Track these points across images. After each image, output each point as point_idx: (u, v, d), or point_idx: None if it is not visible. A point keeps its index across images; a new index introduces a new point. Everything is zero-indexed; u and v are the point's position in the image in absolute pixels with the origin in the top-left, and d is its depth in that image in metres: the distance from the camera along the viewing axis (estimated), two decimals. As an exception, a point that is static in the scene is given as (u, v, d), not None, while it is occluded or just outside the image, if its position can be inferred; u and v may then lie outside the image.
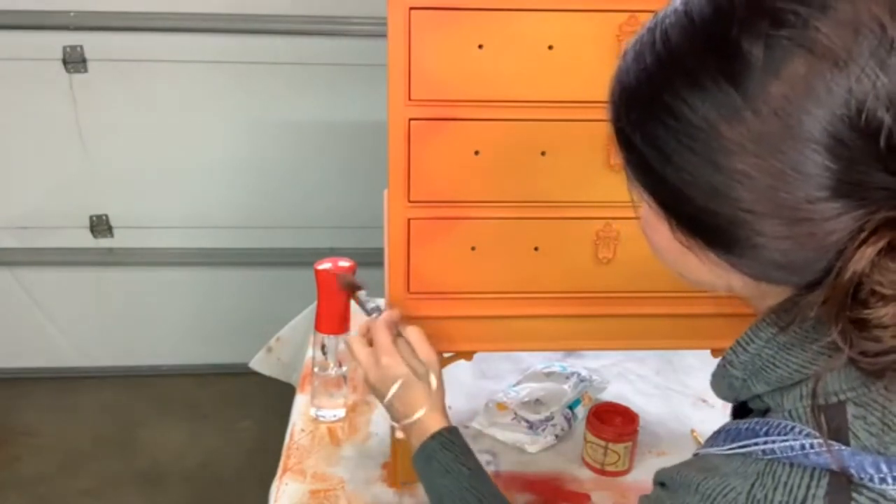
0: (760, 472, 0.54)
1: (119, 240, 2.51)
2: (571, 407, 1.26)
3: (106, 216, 2.48)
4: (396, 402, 0.90)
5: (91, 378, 2.64)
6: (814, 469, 0.53)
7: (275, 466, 1.17)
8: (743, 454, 0.56)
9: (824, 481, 0.52)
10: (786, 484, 0.53)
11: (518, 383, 1.33)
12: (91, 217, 2.47)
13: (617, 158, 0.93)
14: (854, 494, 0.51)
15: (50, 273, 2.53)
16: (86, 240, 2.49)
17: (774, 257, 0.52)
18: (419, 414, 0.89)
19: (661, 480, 0.63)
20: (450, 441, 0.88)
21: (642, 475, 1.16)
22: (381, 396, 0.92)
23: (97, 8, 2.21)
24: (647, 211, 0.60)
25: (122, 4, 2.21)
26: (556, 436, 1.22)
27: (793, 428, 0.54)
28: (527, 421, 1.22)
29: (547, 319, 1.03)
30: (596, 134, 0.93)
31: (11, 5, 2.18)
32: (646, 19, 0.87)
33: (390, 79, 0.90)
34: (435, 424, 0.89)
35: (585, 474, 1.16)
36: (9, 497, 2.18)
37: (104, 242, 2.51)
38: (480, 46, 0.89)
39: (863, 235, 0.48)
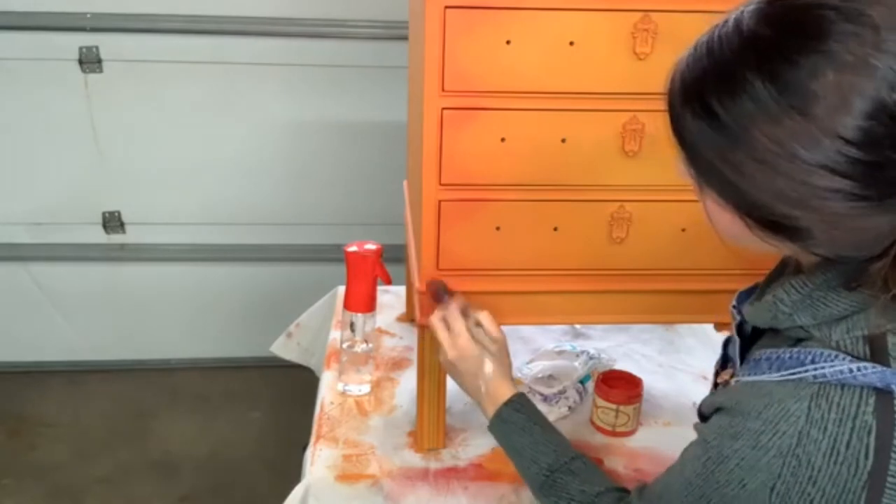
0: (814, 394, 0.64)
1: (131, 236, 2.58)
2: (583, 382, 1.35)
3: (118, 213, 2.54)
4: (469, 377, 1.02)
5: (102, 371, 2.70)
6: (862, 388, 0.63)
7: (284, 455, 1.24)
8: (795, 380, 0.66)
9: (871, 399, 0.63)
10: (839, 403, 0.63)
11: (531, 361, 1.41)
12: (103, 213, 2.53)
13: (632, 145, 1.03)
14: None
15: (63, 268, 2.59)
16: (98, 236, 2.56)
17: (847, 244, 0.62)
18: (492, 386, 1.00)
19: (718, 406, 0.73)
20: (520, 405, 0.99)
21: (648, 441, 1.25)
22: (457, 373, 1.03)
23: (112, 10, 2.28)
24: (714, 203, 0.68)
25: (137, 6, 2.28)
26: (570, 407, 1.31)
27: (837, 356, 0.64)
28: (541, 394, 1.31)
29: (565, 295, 1.12)
30: (612, 123, 1.02)
31: (28, 7, 2.25)
32: (658, 18, 0.97)
33: (426, 71, 0.98)
34: (506, 392, 1.00)
35: (597, 440, 1.25)
36: (25, 484, 2.23)
37: (116, 238, 2.57)
38: (508, 42, 0.97)
39: None
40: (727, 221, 0.67)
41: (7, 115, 2.38)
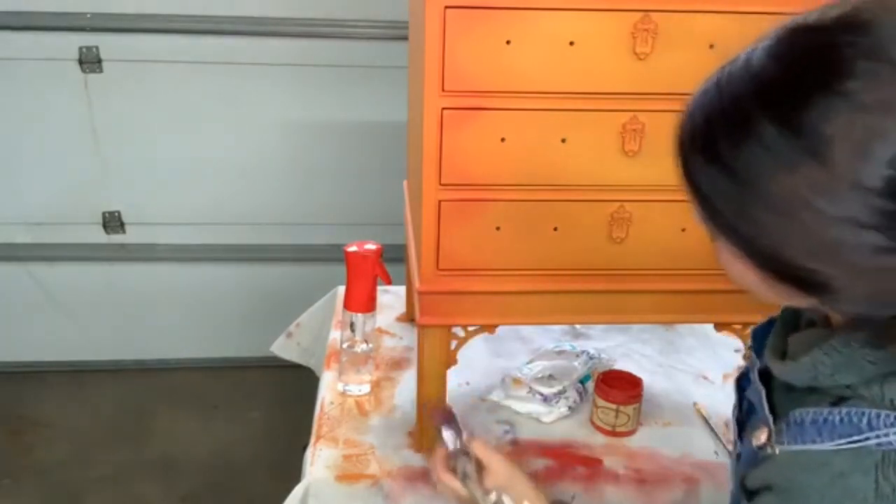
0: (878, 463, 0.58)
1: (131, 236, 2.57)
2: (583, 381, 1.35)
3: (118, 213, 2.54)
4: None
5: (102, 371, 2.69)
6: None
7: (284, 455, 1.23)
8: (853, 449, 0.59)
9: None
10: None
11: (531, 361, 1.41)
12: (103, 213, 2.53)
13: (632, 145, 1.03)
14: None
15: (63, 268, 2.59)
16: (98, 236, 2.55)
17: (872, 300, 0.56)
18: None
19: (768, 483, 0.65)
20: None
21: (649, 442, 1.26)
22: None
23: (112, 10, 2.28)
24: (728, 252, 0.62)
25: (137, 6, 2.28)
26: (570, 407, 1.31)
27: None
28: (541, 394, 1.31)
29: (565, 295, 1.12)
30: (612, 123, 1.02)
31: (28, 7, 2.25)
32: (658, 18, 0.97)
33: (426, 71, 0.98)
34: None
35: (597, 441, 1.25)
36: (25, 484, 2.23)
37: (116, 238, 2.57)
38: (508, 42, 0.97)
39: None
40: (740, 271, 0.62)
41: (7, 115, 2.37)
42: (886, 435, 0.58)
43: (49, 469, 2.28)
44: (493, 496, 0.95)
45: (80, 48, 2.31)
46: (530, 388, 1.32)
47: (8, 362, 2.67)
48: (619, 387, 1.26)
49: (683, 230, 1.09)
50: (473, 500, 0.97)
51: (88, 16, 2.28)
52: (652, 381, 1.40)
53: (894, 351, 0.58)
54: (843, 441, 0.60)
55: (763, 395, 0.70)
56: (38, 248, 2.55)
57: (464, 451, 0.98)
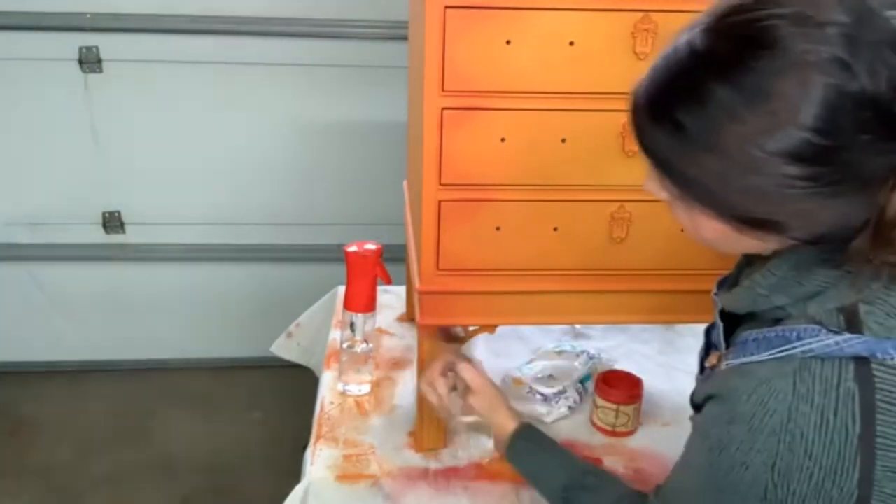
0: (796, 369, 0.67)
1: (131, 236, 2.57)
2: (583, 381, 1.35)
3: (118, 213, 2.54)
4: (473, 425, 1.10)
5: (102, 371, 2.69)
6: (840, 359, 0.67)
7: (284, 455, 1.24)
8: (777, 358, 0.69)
9: (851, 367, 0.66)
10: (821, 375, 0.67)
11: (531, 361, 1.41)
12: (103, 213, 2.53)
13: (632, 145, 1.02)
14: (875, 372, 0.66)
15: (63, 268, 2.58)
16: (98, 236, 2.55)
17: (822, 229, 0.67)
18: (493, 429, 1.08)
19: (710, 394, 0.75)
20: (524, 436, 1.05)
21: (648, 441, 1.25)
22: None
23: (112, 10, 2.28)
24: (690, 211, 0.73)
25: (137, 6, 2.28)
26: (570, 407, 1.31)
27: (820, 330, 0.68)
28: (541, 394, 1.31)
29: (565, 295, 1.12)
30: (612, 123, 1.02)
31: (28, 7, 2.24)
32: (658, 18, 0.97)
33: (426, 71, 0.98)
34: (507, 428, 1.05)
35: (597, 440, 1.26)
36: (24, 484, 2.23)
37: (116, 238, 2.57)
38: (508, 42, 0.97)
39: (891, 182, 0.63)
40: (714, 228, 0.71)
41: (7, 115, 2.37)
42: (809, 344, 0.68)
43: (49, 469, 2.28)
44: (469, 418, 1.10)
45: (80, 48, 2.31)
46: (530, 387, 1.32)
47: (8, 362, 2.67)
48: (619, 387, 1.26)
49: (683, 230, 1.09)
50: (448, 411, 1.09)
51: (88, 16, 2.27)
52: (652, 381, 1.39)
53: (851, 266, 0.68)
54: (774, 351, 0.69)
55: (721, 328, 0.82)
56: (38, 248, 2.54)
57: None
